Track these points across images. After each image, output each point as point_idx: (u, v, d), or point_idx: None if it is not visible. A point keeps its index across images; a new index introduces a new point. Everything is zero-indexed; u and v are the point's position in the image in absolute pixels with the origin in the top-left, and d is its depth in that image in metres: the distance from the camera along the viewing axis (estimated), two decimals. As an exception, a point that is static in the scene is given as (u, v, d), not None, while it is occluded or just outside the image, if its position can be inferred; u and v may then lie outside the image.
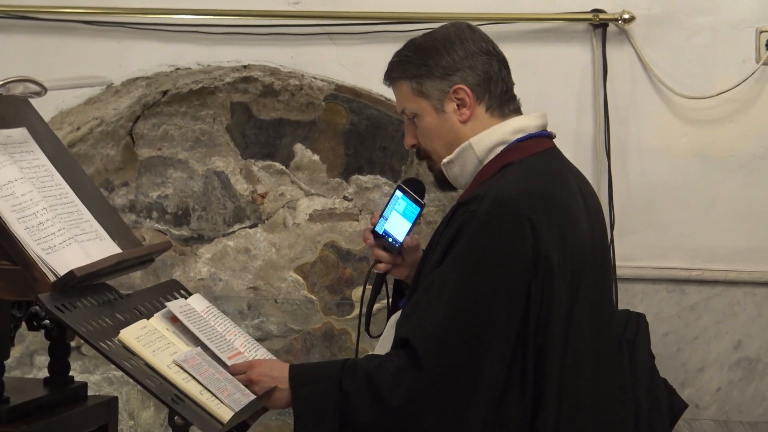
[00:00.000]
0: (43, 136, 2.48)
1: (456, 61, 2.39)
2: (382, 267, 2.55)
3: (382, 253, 2.54)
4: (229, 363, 2.30)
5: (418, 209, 2.52)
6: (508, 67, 2.44)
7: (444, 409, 2.21)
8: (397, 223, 2.52)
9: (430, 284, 2.28)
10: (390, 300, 2.62)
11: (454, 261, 2.25)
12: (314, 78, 3.52)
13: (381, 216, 2.53)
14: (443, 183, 2.47)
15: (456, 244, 2.27)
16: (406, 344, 2.24)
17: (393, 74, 2.46)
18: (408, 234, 2.51)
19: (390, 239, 2.51)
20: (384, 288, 2.60)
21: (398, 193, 2.53)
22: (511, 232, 2.23)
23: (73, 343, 2.56)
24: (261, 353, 2.43)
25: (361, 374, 2.25)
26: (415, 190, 2.53)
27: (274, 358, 2.47)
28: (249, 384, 2.28)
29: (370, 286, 2.60)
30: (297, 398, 2.27)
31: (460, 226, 2.28)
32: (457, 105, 2.39)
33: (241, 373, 2.30)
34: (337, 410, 2.24)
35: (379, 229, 2.52)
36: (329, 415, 2.24)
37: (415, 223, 2.52)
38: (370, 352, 2.45)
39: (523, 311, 2.22)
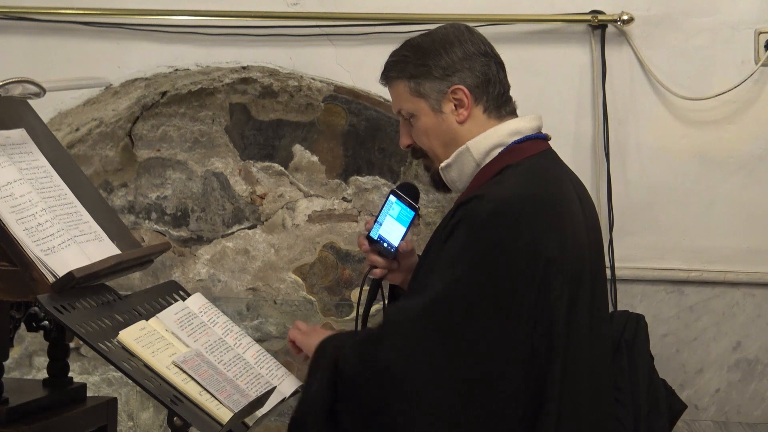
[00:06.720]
0: (42, 137, 2.48)
1: (455, 62, 2.38)
2: (377, 272, 2.54)
3: (377, 259, 2.53)
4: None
5: (413, 213, 2.51)
6: (504, 69, 2.44)
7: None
8: (391, 228, 2.50)
9: (427, 280, 2.27)
10: (386, 305, 2.61)
11: (455, 258, 2.23)
12: (313, 79, 3.51)
13: (375, 221, 2.51)
14: (439, 184, 2.46)
15: (454, 239, 2.25)
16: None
17: (390, 74, 2.44)
18: (403, 239, 2.50)
19: (385, 244, 2.50)
20: (380, 293, 2.59)
21: (392, 197, 2.52)
22: (511, 235, 2.22)
23: (72, 344, 2.57)
24: (253, 350, 2.42)
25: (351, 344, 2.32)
26: (409, 194, 2.52)
27: (270, 355, 2.47)
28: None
29: (367, 288, 2.59)
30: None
31: (457, 222, 2.26)
32: (455, 105, 2.39)
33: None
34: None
35: (374, 235, 2.51)
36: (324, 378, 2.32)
37: (409, 228, 2.51)
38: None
39: (519, 313, 2.21)
